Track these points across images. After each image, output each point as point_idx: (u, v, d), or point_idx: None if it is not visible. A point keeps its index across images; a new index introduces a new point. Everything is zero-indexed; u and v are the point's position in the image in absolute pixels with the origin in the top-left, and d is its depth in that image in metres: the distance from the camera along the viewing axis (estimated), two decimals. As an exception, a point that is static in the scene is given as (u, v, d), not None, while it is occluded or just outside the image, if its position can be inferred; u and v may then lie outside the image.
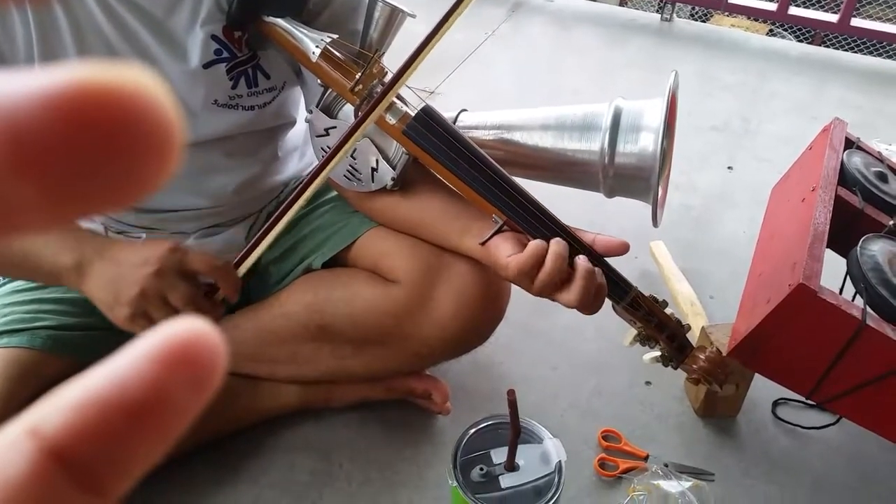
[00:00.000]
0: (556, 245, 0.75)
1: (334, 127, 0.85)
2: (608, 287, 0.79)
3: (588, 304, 0.77)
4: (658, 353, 0.87)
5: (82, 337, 0.87)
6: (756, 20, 2.95)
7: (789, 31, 3.01)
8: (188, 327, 0.13)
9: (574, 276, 0.76)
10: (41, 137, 0.11)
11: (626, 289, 0.82)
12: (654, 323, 0.84)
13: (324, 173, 0.71)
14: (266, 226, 0.72)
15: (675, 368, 0.89)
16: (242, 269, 0.72)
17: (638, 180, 1.04)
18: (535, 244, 0.75)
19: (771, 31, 3.07)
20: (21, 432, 0.13)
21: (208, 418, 0.92)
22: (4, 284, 0.92)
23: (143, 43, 0.79)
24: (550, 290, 0.76)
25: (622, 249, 0.80)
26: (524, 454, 0.75)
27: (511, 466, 0.74)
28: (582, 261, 0.76)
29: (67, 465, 0.12)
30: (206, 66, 0.82)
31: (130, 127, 0.11)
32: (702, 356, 0.87)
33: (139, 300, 0.72)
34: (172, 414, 0.13)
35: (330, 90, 0.83)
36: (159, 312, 0.73)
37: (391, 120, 0.80)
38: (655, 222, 1.10)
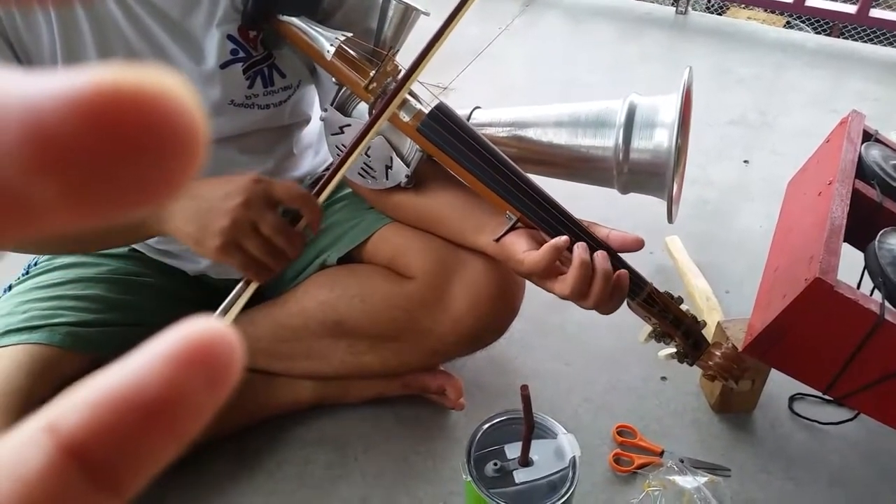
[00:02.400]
0: (581, 250, 0.75)
1: (349, 125, 0.85)
2: None
3: (603, 304, 0.77)
4: (673, 350, 0.87)
5: (101, 333, 0.88)
6: (773, 12, 2.92)
7: (807, 22, 2.98)
8: (205, 327, 0.13)
9: (594, 276, 0.76)
10: (65, 138, 0.11)
11: (642, 285, 0.81)
12: (670, 319, 0.83)
13: (345, 166, 0.71)
14: (341, 158, 0.71)
15: (691, 365, 0.88)
16: (322, 198, 0.72)
17: (652, 177, 1.03)
18: (553, 242, 0.75)
19: (788, 23, 3.04)
20: (38, 429, 0.13)
21: (224, 413, 0.92)
22: (24, 281, 0.94)
23: (162, 44, 0.80)
24: (577, 297, 0.76)
25: (637, 245, 0.80)
26: (538, 449, 0.75)
27: (525, 461, 0.74)
28: (600, 259, 0.76)
29: (83, 462, 0.12)
30: (223, 66, 0.83)
31: (155, 128, 0.11)
32: (717, 353, 0.87)
33: (231, 230, 0.72)
34: (188, 413, 0.13)
35: (344, 88, 0.83)
36: (251, 241, 0.73)
37: (405, 117, 0.80)
38: (670, 218, 1.09)
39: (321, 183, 0.71)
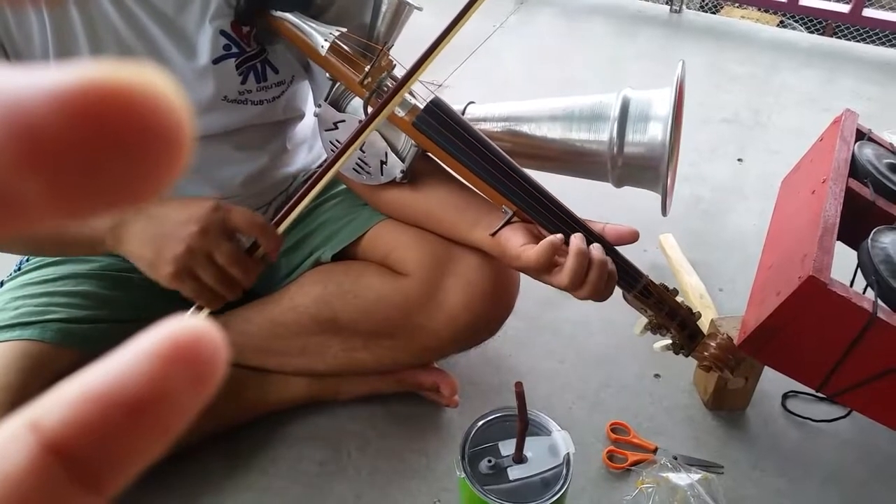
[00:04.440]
0: (578, 240, 0.75)
1: (343, 121, 0.85)
2: (619, 276, 0.79)
3: (598, 294, 0.77)
4: (669, 341, 0.87)
5: (93, 330, 0.88)
6: (766, 11, 2.93)
7: (800, 22, 2.99)
8: (189, 325, 0.13)
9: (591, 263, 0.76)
10: (52, 134, 0.11)
11: (638, 277, 0.82)
12: (665, 311, 0.84)
13: (337, 165, 0.71)
14: (306, 186, 0.71)
15: (687, 356, 0.89)
16: (282, 228, 0.72)
17: (647, 170, 1.03)
18: (550, 239, 0.75)
19: (781, 22, 3.05)
20: (21, 426, 0.13)
21: (218, 410, 0.93)
22: (15, 277, 0.93)
23: (155, 40, 0.79)
24: (574, 287, 0.76)
25: (632, 237, 0.80)
26: (532, 446, 0.75)
27: (519, 458, 0.74)
28: (595, 248, 0.76)
29: (66, 459, 0.12)
30: (216, 61, 0.82)
31: (140, 125, 0.11)
32: (713, 343, 0.87)
33: (185, 258, 0.72)
34: (172, 411, 0.13)
35: (338, 84, 0.83)
36: (205, 270, 0.73)
37: (400, 113, 0.80)
38: (665, 211, 1.09)
39: (287, 206, 0.71)
